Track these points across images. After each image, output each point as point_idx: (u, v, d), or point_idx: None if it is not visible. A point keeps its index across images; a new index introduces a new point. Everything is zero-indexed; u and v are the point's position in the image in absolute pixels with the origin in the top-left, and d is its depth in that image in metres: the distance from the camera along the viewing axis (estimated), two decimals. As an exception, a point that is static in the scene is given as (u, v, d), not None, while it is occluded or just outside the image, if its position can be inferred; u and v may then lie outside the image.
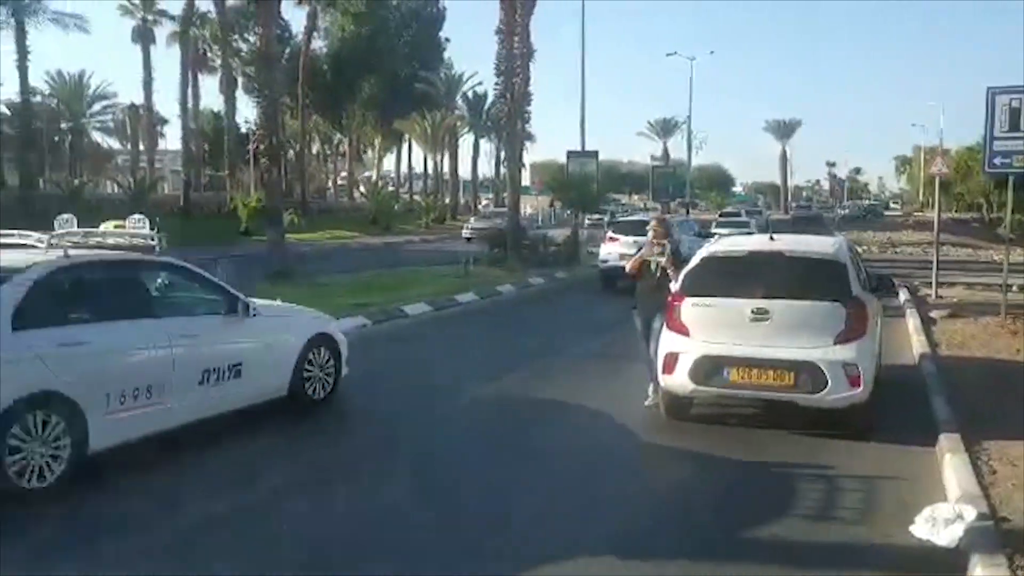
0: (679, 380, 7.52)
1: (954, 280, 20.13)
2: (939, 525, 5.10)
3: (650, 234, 8.88)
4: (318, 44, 60.62)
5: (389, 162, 79.22)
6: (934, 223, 19.91)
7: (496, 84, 26.30)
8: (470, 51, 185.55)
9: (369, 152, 76.96)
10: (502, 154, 45.29)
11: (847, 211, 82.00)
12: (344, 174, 76.06)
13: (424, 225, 54.08)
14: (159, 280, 7.46)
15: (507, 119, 26.62)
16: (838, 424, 7.33)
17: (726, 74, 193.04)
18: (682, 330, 7.62)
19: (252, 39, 56.64)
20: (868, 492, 6.10)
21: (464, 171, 75.23)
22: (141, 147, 58.93)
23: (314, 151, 74.40)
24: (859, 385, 7.04)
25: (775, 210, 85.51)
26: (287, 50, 54.86)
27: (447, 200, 66.16)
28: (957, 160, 42.50)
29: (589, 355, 11.55)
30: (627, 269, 9.01)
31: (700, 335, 7.52)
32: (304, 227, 39.60)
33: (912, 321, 13.77)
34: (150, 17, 52.55)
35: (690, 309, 7.60)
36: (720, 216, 41.64)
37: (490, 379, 9.82)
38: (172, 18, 52.34)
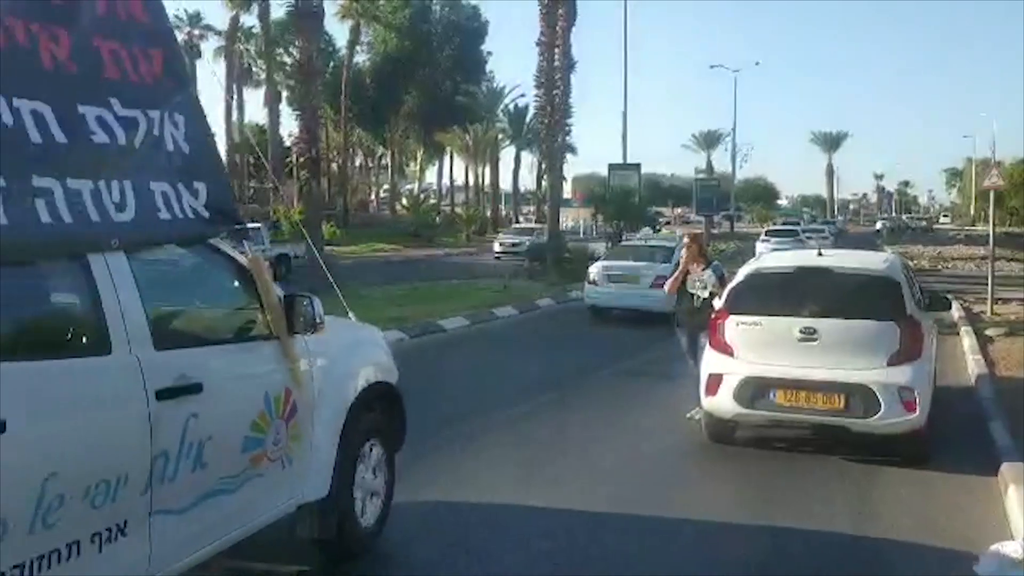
0: (723, 402, 7.20)
1: (1009, 296, 19.44)
2: (1006, 565, 4.72)
3: (683, 253, 8.59)
4: (361, 58, 61.36)
5: (431, 175, 79.67)
6: (987, 237, 19.27)
7: (536, 96, 26.19)
8: (513, 63, 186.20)
9: (411, 165, 77.39)
10: (543, 166, 45.07)
11: (882, 226, 79.00)
12: (387, 187, 76.49)
13: (465, 238, 54.05)
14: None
15: (547, 132, 26.47)
16: (891, 451, 6.95)
17: (772, 85, 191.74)
18: (726, 350, 7.30)
19: (296, 52, 58.00)
20: (926, 526, 5.71)
21: (506, 183, 75.33)
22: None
23: (357, 164, 75.04)
24: (914, 410, 6.66)
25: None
26: (331, 64, 55.51)
27: (488, 213, 66.20)
28: (1011, 172, 41.42)
29: (627, 373, 11.24)
30: (666, 290, 8.74)
31: (745, 355, 7.20)
32: (345, 240, 39.68)
33: (967, 339, 13.25)
34: (196, 31, 53.46)
35: (734, 328, 7.28)
36: (766, 233, 39.38)
37: (526, 397, 9.54)
38: (218, 33, 53.14)
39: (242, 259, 4.27)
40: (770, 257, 8.58)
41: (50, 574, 2.89)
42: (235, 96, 52.33)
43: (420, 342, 13.66)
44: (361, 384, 4.94)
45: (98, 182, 3.38)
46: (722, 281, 8.17)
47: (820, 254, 8.03)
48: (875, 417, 6.69)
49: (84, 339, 3.32)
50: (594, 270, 16.90)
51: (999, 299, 18.03)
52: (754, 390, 7.06)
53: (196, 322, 4.40)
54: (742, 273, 7.71)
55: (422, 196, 66.11)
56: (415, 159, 74.50)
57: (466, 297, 19.40)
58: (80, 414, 3.10)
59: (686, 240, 8.89)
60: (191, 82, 4.34)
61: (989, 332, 14.17)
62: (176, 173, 3.84)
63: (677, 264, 9.02)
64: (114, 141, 3.51)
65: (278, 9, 32.46)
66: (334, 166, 56.00)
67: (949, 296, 10.92)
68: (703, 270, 8.40)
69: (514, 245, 33.44)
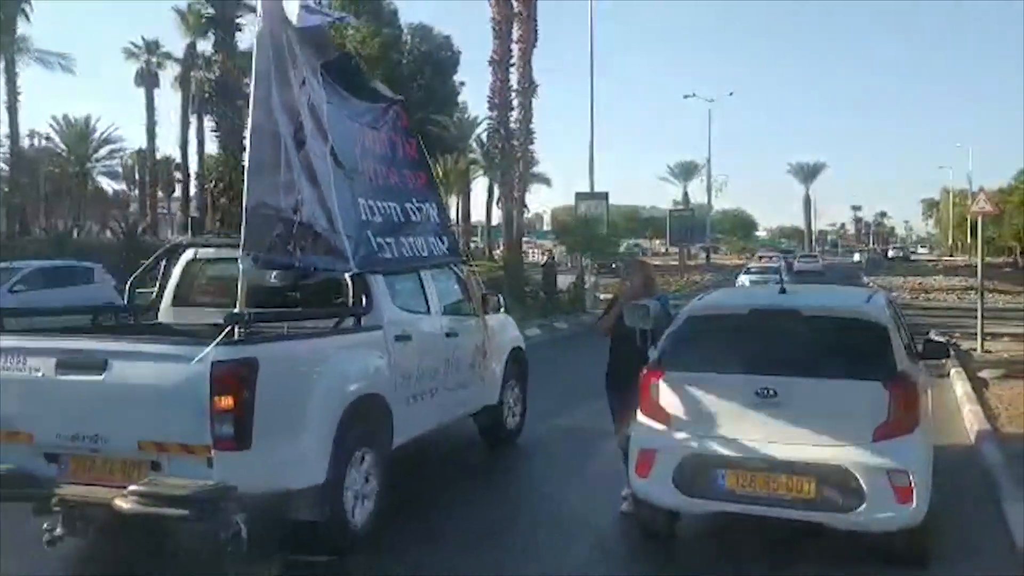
0: (657, 487, 5.42)
1: (998, 331, 17.83)
2: None
3: (627, 284, 6.84)
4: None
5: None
6: (965, 267, 17.77)
7: (490, 119, 24.62)
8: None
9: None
10: (497, 193, 43.26)
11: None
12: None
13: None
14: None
15: (501, 156, 24.83)
16: (880, 551, 5.22)
17: (749, 117, 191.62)
18: (660, 417, 5.53)
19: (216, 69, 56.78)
20: None
21: (479, 214, 73.73)
22: (161, 193, 57.86)
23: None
24: (910, 501, 4.91)
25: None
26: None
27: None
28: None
29: (562, 431, 9.43)
30: (600, 328, 6.98)
31: (685, 425, 5.43)
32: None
33: (960, 385, 11.58)
34: (154, 60, 51.67)
35: (671, 388, 5.52)
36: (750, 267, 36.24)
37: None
38: (177, 60, 51.35)
39: (462, 273, 7.98)
40: (719, 295, 6.76)
41: (418, 403, 6.55)
42: (194, 126, 50.24)
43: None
44: (510, 345, 8.71)
45: (416, 238, 6.74)
46: (669, 319, 6.42)
47: (783, 291, 6.14)
48: (857, 511, 4.93)
49: (422, 307, 7.07)
50: None
51: (988, 334, 16.43)
52: (697, 472, 5.30)
53: (455, 304, 7.73)
54: (682, 316, 5.92)
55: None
56: (387, 190, 72.75)
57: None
58: (425, 340, 6.87)
59: (634, 267, 7.18)
60: (437, 184, 7.91)
61: (983, 374, 12.53)
62: (435, 232, 7.12)
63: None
64: (416, 218, 6.84)
65: (243, 40, 31.27)
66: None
67: (943, 338, 9.16)
68: None
69: (476, 278, 31.69)
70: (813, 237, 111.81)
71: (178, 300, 6.93)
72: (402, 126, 6.95)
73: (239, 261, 5.23)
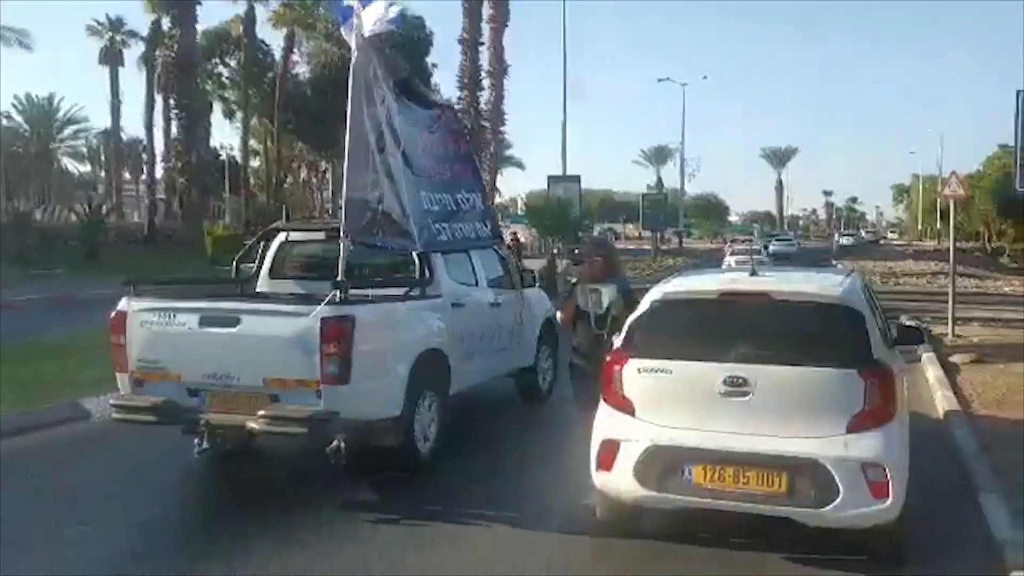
0: (620, 481, 5.13)
1: (969, 315, 17.75)
2: None
3: (584, 267, 6.54)
4: (303, 69, 58.70)
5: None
6: (935, 252, 17.65)
7: (460, 99, 24.18)
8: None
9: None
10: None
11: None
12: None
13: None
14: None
15: (471, 137, 24.42)
16: (855, 548, 4.97)
17: (723, 102, 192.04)
18: (625, 407, 5.23)
19: (233, 63, 55.49)
20: None
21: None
22: (127, 174, 56.75)
23: (301, 178, 72.39)
24: (886, 495, 4.65)
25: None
26: (269, 74, 52.96)
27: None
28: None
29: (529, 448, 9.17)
30: (559, 319, 6.68)
31: (650, 415, 5.14)
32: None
33: (932, 369, 11.39)
34: (118, 38, 50.43)
35: (636, 377, 5.22)
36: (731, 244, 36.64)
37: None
38: (142, 39, 50.18)
39: (503, 252, 9.30)
40: (687, 277, 6.43)
41: (469, 360, 7.68)
42: (161, 106, 49.11)
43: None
44: (543, 315, 9.69)
45: (465, 224, 8.04)
46: (629, 303, 6.13)
47: (754, 273, 5.78)
48: (831, 506, 4.67)
49: (472, 280, 8.35)
50: None
51: (959, 318, 16.32)
52: (662, 465, 5.01)
53: (497, 279, 8.88)
54: (647, 300, 5.59)
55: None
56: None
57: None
58: (475, 308, 8.05)
59: (589, 254, 6.80)
60: (481, 175, 9.39)
61: (954, 359, 12.37)
62: (480, 218, 8.38)
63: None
64: (465, 207, 8.12)
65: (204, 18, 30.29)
66: (279, 180, 53.44)
67: (915, 323, 8.94)
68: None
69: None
70: (785, 222, 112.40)
71: (273, 273, 8.40)
72: (453, 127, 8.42)
73: (339, 241, 6.86)
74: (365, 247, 7.27)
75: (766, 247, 45.73)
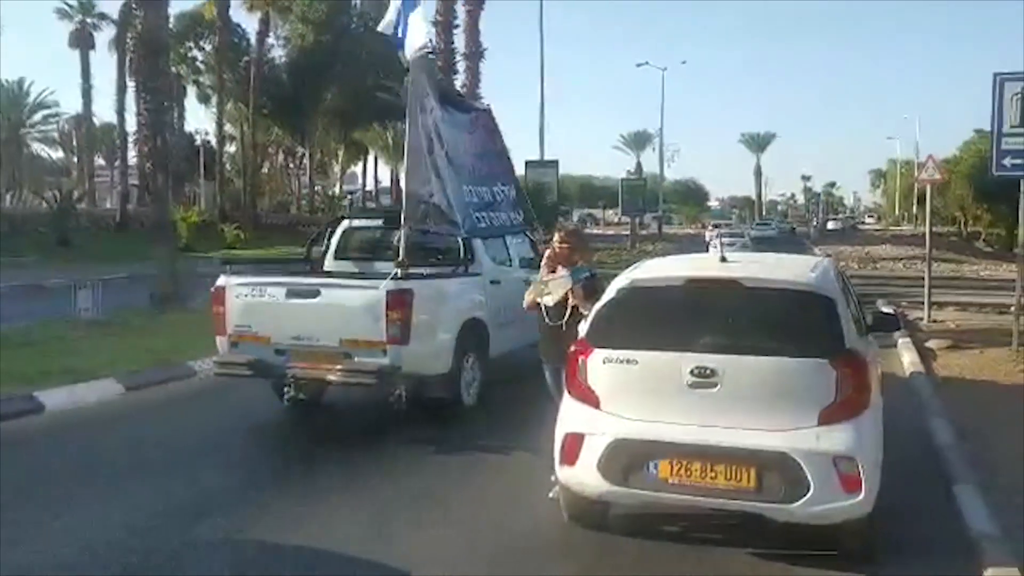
0: (584, 475, 4.92)
1: (944, 300, 17.69)
2: None
3: (547, 253, 6.32)
4: (279, 52, 57.88)
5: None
6: (912, 236, 17.55)
7: (436, 83, 23.84)
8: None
9: (335, 165, 74.06)
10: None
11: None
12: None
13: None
14: None
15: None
16: (826, 544, 4.79)
17: (702, 87, 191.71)
18: (589, 398, 5.02)
19: (208, 47, 54.70)
20: None
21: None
22: (102, 160, 55.76)
23: (278, 164, 71.61)
24: (858, 490, 4.48)
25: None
26: (244, 58, 52.24)
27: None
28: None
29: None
30: (524, 305, 6.45)
31: (616, 407, 4.93)
32: (254, 242, 36.72)
33: (907, 354, 11.31)
34: (89, 20, 49.46)
35: (600, 367, 5.01)
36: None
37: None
38: (113, 21, 49.24)
39: (533, 237, 10.66)
40: (654, 263, 6.21)
41: (504, 329, 8.69)
42: (136, 87, 48.20)
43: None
44: None
45: (500, 213, 9.34)
46: (590, 290, 5.90)
47: (724, 259, 5.59)
48: (801, 502, 4.49)
49: (507, 261, 9.66)
50: None
51: (935, 303, 16.26)
52: (627, 458, 4.80)
53: (528, 260, 9.73)
54: (613, 288, 5.38)
55: (348, 197, 62.93)
56: (337, 159, 71.16)
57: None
58: (509, 285, 8.74)
59: (557, 236, 6.55)
60: (514, 168, 11.05)
61: (931, 344, 12.30)
62: (513, 207, 9.71)
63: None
64: (500, 199, 9.43)
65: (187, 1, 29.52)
66: (254, 165, 52.80)
67: (891, 309, 8.79)
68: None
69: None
70: (764, 207, 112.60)
71: (338, 255, 9.90)
72: (489, 127, 9.78)
73: (401, 229, 8.28)
74: (420, 233, 8.68)
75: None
